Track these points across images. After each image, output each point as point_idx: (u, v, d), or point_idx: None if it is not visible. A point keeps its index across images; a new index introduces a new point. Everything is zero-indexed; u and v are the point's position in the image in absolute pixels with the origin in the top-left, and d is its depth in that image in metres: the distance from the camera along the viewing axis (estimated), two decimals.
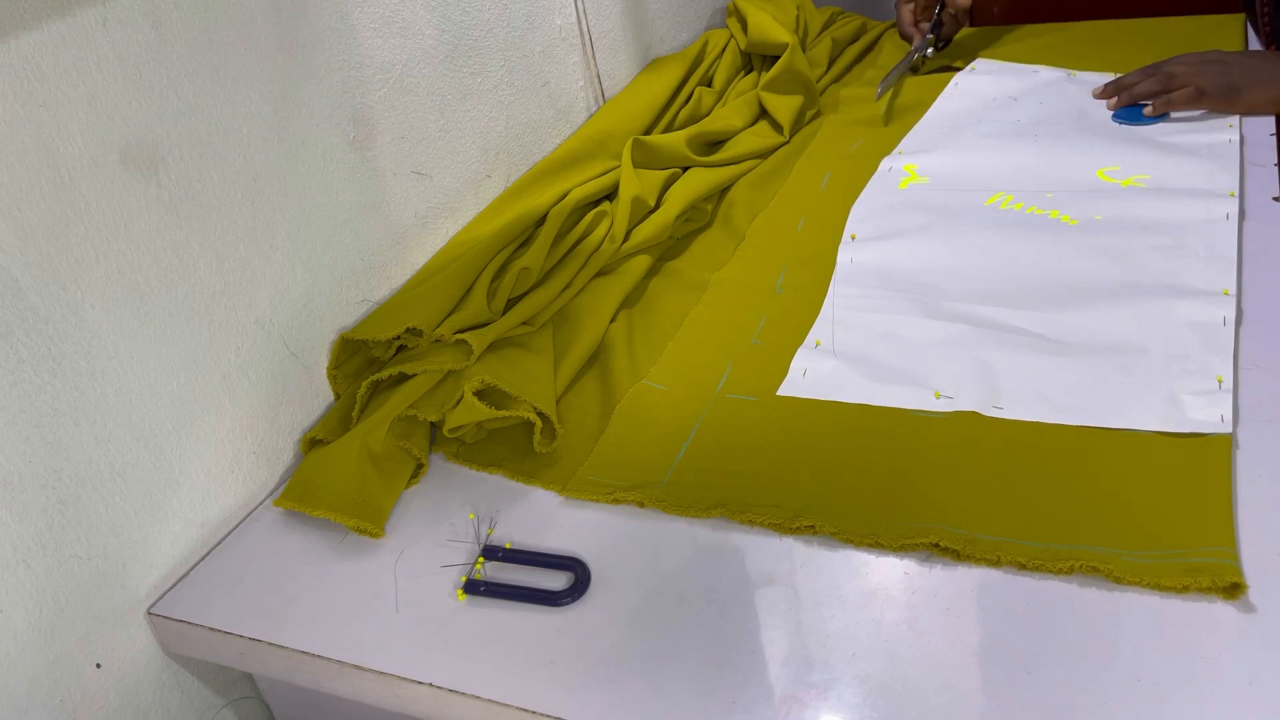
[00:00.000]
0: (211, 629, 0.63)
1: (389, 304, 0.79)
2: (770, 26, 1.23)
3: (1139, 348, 0.71)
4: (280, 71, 0.71)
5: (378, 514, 0.67)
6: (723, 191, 1.04)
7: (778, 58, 1.19)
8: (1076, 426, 0.66)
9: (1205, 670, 0.50)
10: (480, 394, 0.71)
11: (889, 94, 1.18)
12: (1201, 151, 0.94)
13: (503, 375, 0.72)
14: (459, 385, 0.72)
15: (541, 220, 0.88)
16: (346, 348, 0.78)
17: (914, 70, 1.25)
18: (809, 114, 1.19)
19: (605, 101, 1.14)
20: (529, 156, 1.01)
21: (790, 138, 1.14)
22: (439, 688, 0.56)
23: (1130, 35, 1.25)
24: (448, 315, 0.76)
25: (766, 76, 1.18)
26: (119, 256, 0.61)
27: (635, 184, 0.95)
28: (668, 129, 1.10)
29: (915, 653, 0.53)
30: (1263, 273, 0.77)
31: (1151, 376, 0.68)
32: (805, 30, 1.31)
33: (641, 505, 0.66)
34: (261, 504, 0.73)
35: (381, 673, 0.58)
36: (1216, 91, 1.00)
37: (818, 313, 0.82)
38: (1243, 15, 1.23)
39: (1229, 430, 0.62)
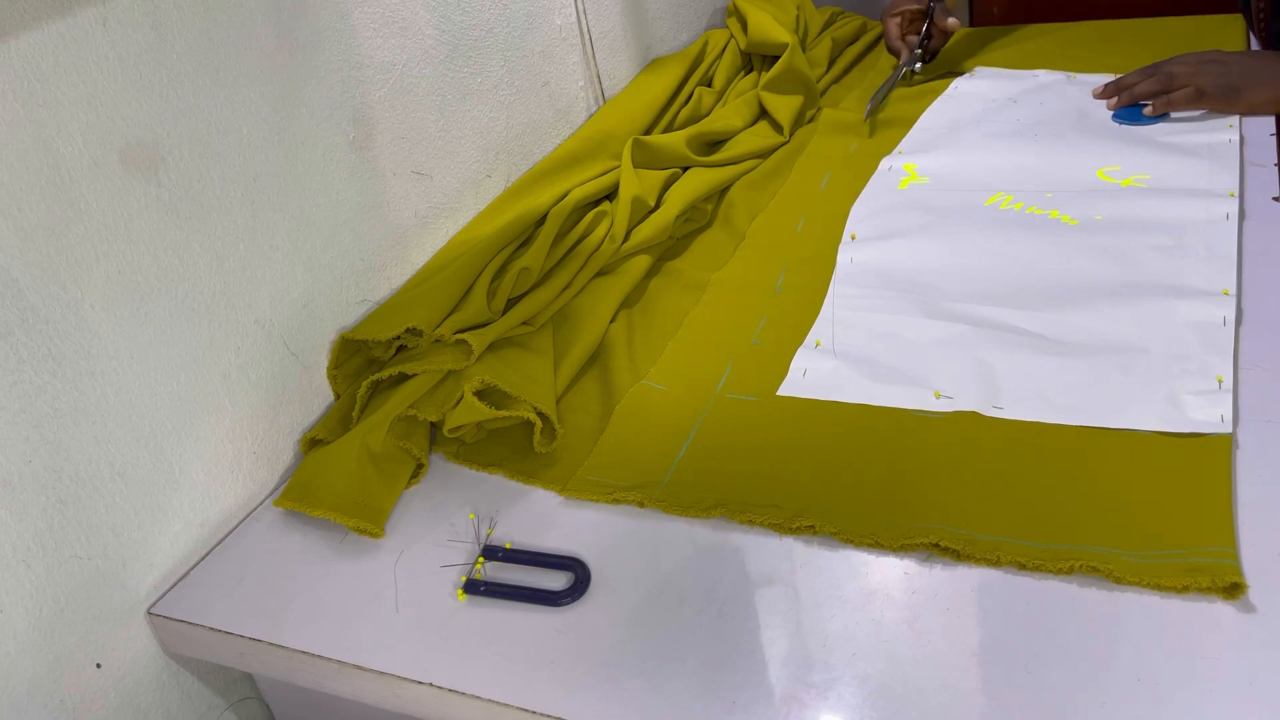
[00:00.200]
0: (211, 629, 0.63)
1: (389, 304, 0.79)
2: (770, 26, 1.23)
3: (1139, 348, 0.71)
4: (280, 71, 0.71)
5: (378, 514, 0.67)
6: (723, 191, 1.04)
7: (778, 58, 1.19)
8: (1076, 426, 0.66)
9: (1205, 670, 0.50)
10: (480, 394, 0.71)
11: (877, 111, 1.16)
12: (1201, 151, 0.94)
13: (503, 375, 0.72)
14: (459, 385, 0.72)
15: (541, 220, 0.88)
16: (346, 348, 0.78)
17: (906, 82, 1.23)
18: (809, 114, 1.19)
19: (605, 101, 1.14)
20: (529, 156, 1.01)
21: (790, 138, 1.14)
22: (439, 688, 0.56)
23: (1130, 35, 1.25)
24: (448, 315, 0.76)
25: (766, 76, 1.19)
26: (119, 256, 0.61)
27: (635, 184, 0.95)
28: (668, 129, 1.10)
29: (915, 653, 0.53)
30: (1263, 273, 0.77)
31: (1151, 376, 0.68)
32: (805, 30, 1.31)
33: (641, 505, 0.66)
34: (261, 504, 0.73)
35: (381, 673, 0.58)
36: (1216, 91, 1.00)
37: (818, 313, 0.82)
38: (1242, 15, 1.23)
39: (1229, 430, 0.62)
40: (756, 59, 1.29)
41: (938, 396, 0.70)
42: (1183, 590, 0.53)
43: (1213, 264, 0.78)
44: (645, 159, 1.01)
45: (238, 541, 0.69)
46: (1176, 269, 0.79)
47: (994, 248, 0.86)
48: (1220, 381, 0.66)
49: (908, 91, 1.21)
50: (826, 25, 1.37)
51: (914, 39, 1.26)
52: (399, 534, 0.67)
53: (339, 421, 0.75)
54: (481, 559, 0.64)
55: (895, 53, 1.30)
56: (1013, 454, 0.64)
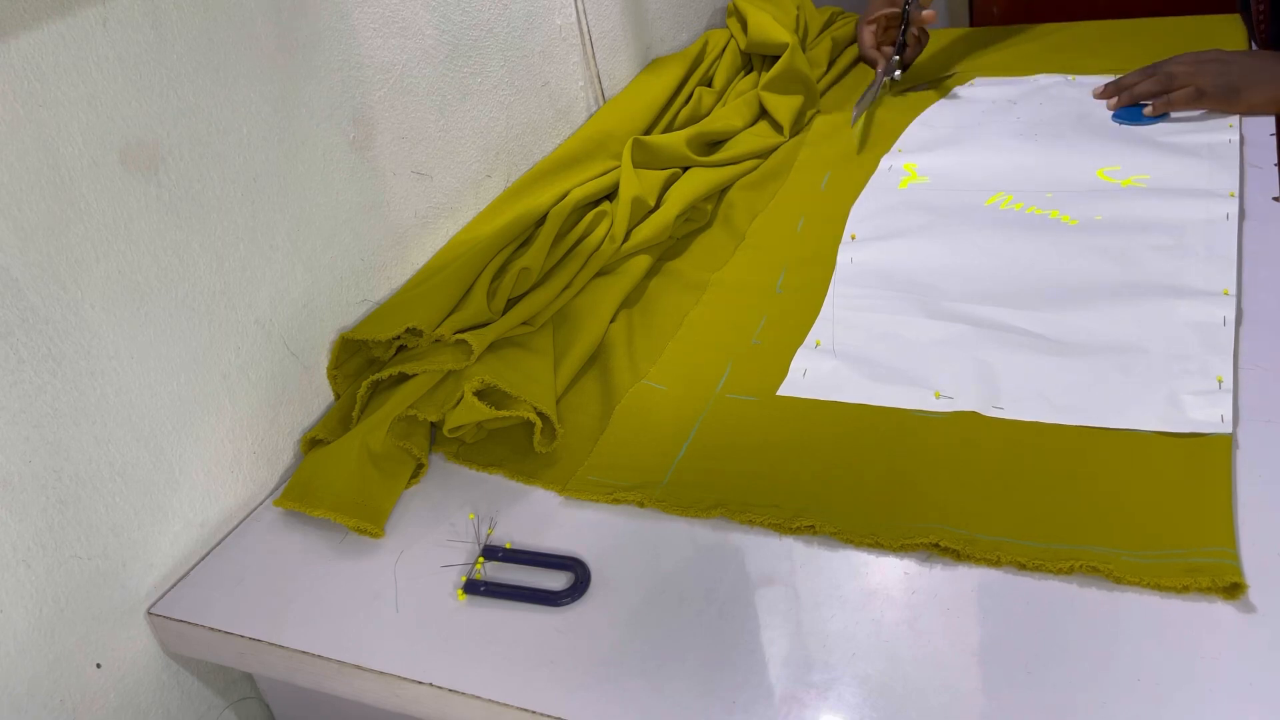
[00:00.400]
0: (211, 629, 0.63)
1: (389, 304, 0.79)
2: (770, 26, 1.23)
3: (1139, 348, 0.71)
4: (280, 71, 0.71)
5: (378, 514, 0.67)
6: (723, 191, 1.04)
7: (778, 58, 1.19)
8: (1076, 426, 0.66)
9: (1205, 670, 0.50)
10: (480, 394, 0.71)
11: (863, 119, 1.14)
12: (1201, 151, 0.94)
13: (503, 375, 0.72)
14: (459, 385, 0.72)
15: (541, 220, 0.88)
16: (346, 348, 0.78)
17: (888, 90, 1.22)
18: (809, 114, 1.19)
19: (605, 101, 1.14)
20: (529, 156, 1.01)
21: (790, 138, 1.14)
22: (439, 688, 0.56)
23: (1130, 35, 1.25)
24: (448, 315, 0.76)
25: (766, 76, 1.19)
26: (119, 256, 0.61)
27: (635, 184, 0.95)
28: (668, 129, 1.10)
29: (915, 653, 0.53)
30: (1263, 273, 0.77)
31: (1151, 376, 0.68)
32: (805, 30, 1.31)
33: (641, 505, 0.66)
34: (261, 504, 0.73)
35: (381, 673, 0.58)
36: (1216, 91, 1.00)
37: (818, 313, 0.82)
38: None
39: (1229, 430, 0.62)
40: (756, 59, 1.28)
41: (938, 396, 0.70)
42: (1183, 590, 0.53)
43: (1213, 264, 0.78)
44: (645, 159, 1.01)
45: (238, 541, 0.69)
46: (1176, 269, 0.79)
47: (994, 248, 0.86)
48: (1220, 381, 0.66)
49: (902, 102, 1.20)
50: (826, 25, 1.37)
51: (889, 48, 1.24)
52: (399, 534, 0.67)
53: (339, 421, 0.75)
54: (481, 559, 0.64)
55: (870, 62, 1.27)
56: (1013, 454, 0.64)
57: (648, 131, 1.07)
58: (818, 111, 1.21)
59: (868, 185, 1.01)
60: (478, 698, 0.55)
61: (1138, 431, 0.64)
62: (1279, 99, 0.98)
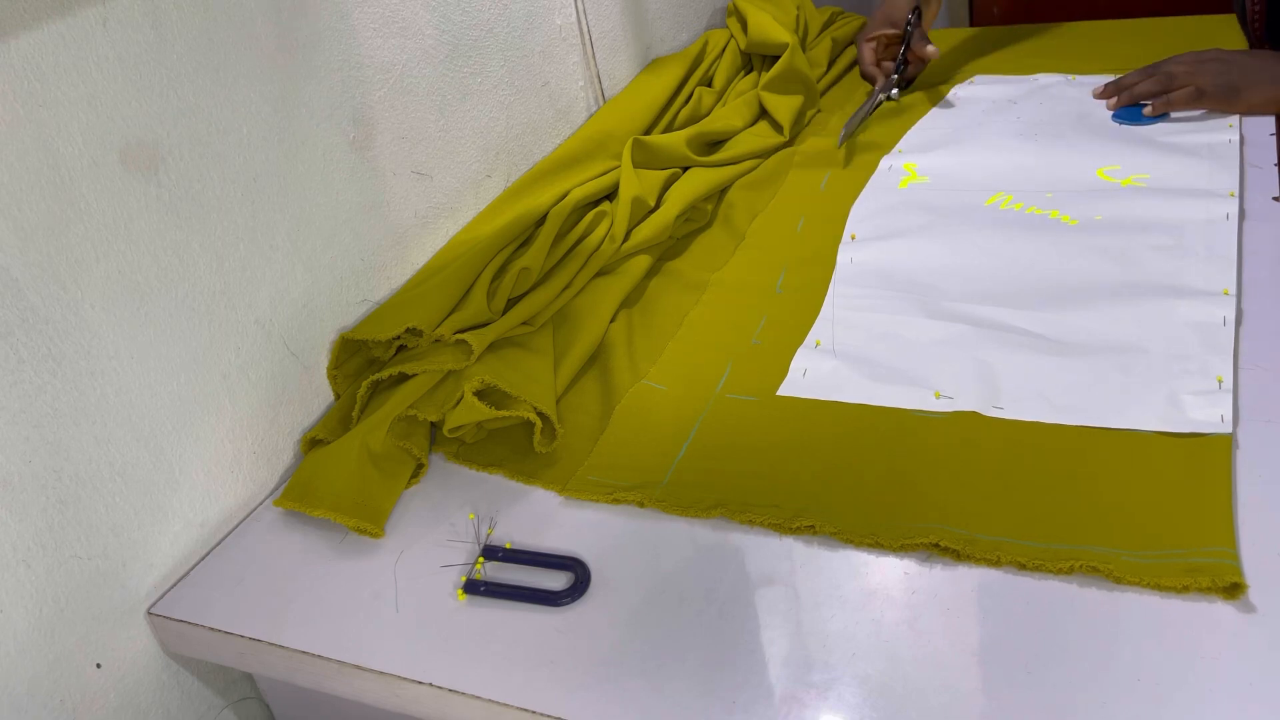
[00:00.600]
0: (211, 629, 0.63)
1: (389, 304, 0.79)
2: (770, 26, 1.23)
3: (1139, 348, 0.71)
4: (280, 71, 0.71)
5: (378, 514, 0.67)
6: (722, 191, 1.04)
7: (778, 58, 1.19)
8: (1076, 426, 0.66)
9: (1205, 670, 0.50)
10: (480, 394, 0.71)
11: (852, 136, 1.12)
12: (1201, 151, 0.94)
13: (503, 375, 0.72)
14: (459, 385, 0.72)
15: (541, 220, 0.88)
16: (346, 348, 0.78)
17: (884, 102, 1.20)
18: (809, 114, 1.19)
19: (605, 101, 1.14)
20: (529, 156, 1.01)
21: (790, 138, 1.14)
22: (439, 688, 0.56)
23: (1130, 35, 1.25)
24: (448, 315, 0.76)
25: (766, 76, 1.18)
26: (119, 256, 0.61)
27: (635, 184, 0.95)
28: (668, 129, 1.10)
29: (915, 653, 0.53)
30: (1263, 273, 0.77)
31: (1151, 376, 0.68)
32: (805, 30, 1.31)
33: (641, 505, 0.66)
34: (261, 504, 0.73)
35: (381, 673, 0.58)
36: (1216, 91, 1.00)
37: (818, 313, 0.82)
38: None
39: (1229, 430, 0.62)
40: (756, 59, 1.28)
41: (938, 396, 0.70)
42: (1183, 590, 0.53)
43: (1213, 264, 0.78)
44: (645, 159, 1.01)
45: (238, 541, 0.69)
46: (1176, 269, 0.79)
47: (994, 248, 0.86)
48: (1220, 381, 0.66)
49: (897, 105, 1.18)
50: (826, 25, 1.37)
51: (889, 65, 1.23)
52: (399, 534, 0.67)
53: (339, 421, 0.75)
54: (481, 559, 0.64)
55: (870, 79, 1.25)
56: (1013, 454, 0.64)
57: (648, 131, 1.07)
58: (818, 111, 1.21)
59: (867, 185, 1.01)
60: (478, 698, 0.55)
61: (1138, 431, 0.64)
62: (1279, 99, 0.98)
